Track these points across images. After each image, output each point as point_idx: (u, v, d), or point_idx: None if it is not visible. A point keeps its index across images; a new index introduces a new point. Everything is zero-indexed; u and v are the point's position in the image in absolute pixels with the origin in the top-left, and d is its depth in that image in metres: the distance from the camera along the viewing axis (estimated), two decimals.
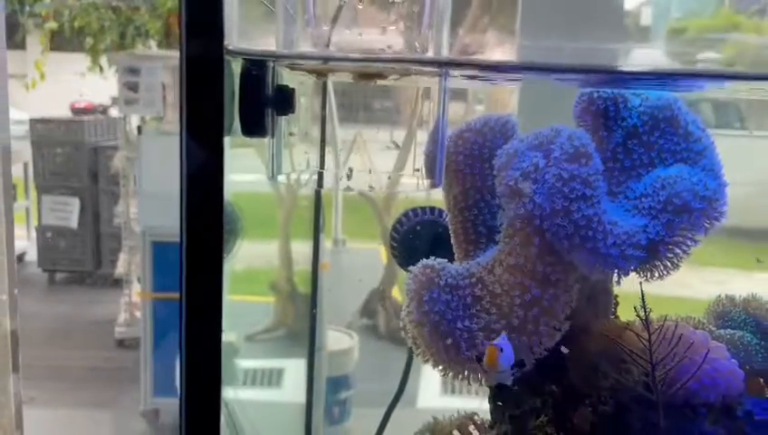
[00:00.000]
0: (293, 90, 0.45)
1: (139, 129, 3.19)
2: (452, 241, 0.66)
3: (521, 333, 0.55)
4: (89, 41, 4.82)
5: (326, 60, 0.47)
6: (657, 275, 0.55)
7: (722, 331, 0.67)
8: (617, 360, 0.59)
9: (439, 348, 0.57)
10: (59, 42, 5.19)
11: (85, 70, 5.07)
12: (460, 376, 0.59)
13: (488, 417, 0.64)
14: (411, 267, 0.60)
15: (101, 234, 4.71)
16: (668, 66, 0.81)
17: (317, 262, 1.52)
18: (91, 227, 4.71)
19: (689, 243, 0.55)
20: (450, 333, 0.56)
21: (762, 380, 0.66)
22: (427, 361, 0.60)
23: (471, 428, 0.63)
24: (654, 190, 0.55)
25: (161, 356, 3.10)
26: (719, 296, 0.70)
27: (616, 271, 0.54)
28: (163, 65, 3.80)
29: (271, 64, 0.42)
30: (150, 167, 3.10)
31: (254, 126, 0.42)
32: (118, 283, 4.20)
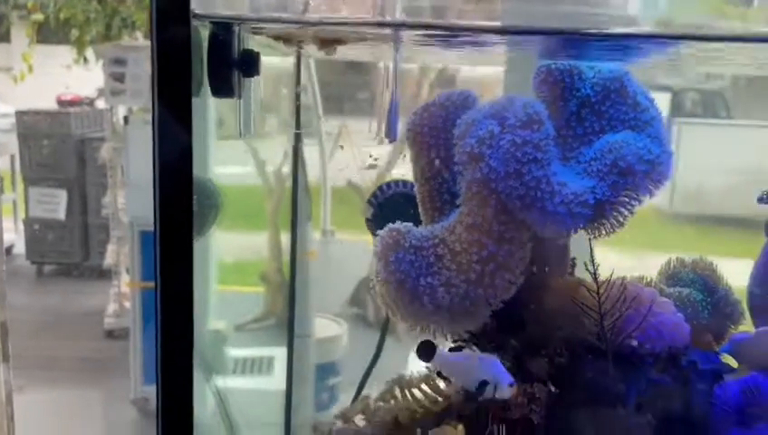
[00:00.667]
0: (258, 53, 0.48)
1: (126, 119, 3.21)
2: (419, 209, 0.70)
3: (478, 287, 0.59)
4: (74, 32, 4.80)
5: (283, 22, 0.50)
6: (603, 232, 0.60)
7: (671, 289, 0.71)
8: (571, 314, 0.64)
9: (405, 303, 0.61)
10: (44, 34, 5.17)
11: (71, 62, 5.05)
12: (425, 329, 0.63)
13: None
14: (379, 231, 0.64)
15: (89, 225, 4.72)
16: None
17: (295, 246, 1.55)
18: (79, 219, 4.71)
19: (633, 203, 0.59)
20: (414, 290, 0.61)
21: (711, 335, 0.71)
22: (394, 316, 0.64)
23: (438, 380, 0.67)
24: (602, 154, 0.60)
25: (151, 345, 3.13)
26: (670, 259, 0.74)
27: (564, 228, 0.58)
28: (149, 56, 3.81)
29: (236, 29, 0.46)
30: (137, 157, 3.11)
31: (221, 87, 0.46)
32: (106, 274, 4.21)
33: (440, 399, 0.66)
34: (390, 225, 0.63)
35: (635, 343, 0.62)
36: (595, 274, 0.59)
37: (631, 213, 0.59)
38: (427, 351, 0.57)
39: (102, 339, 3.88)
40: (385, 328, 0.83)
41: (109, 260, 4.11)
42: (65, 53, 5.07)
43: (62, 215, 4.56)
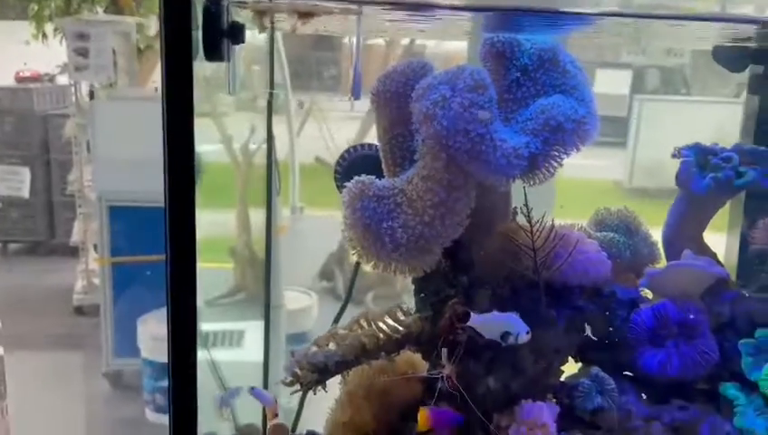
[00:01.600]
0: (243, 24, 0.57)
1: (92, 94, 3.20)
2: (383, 165, 0.80)
3: (431, 228, 0.69)
4: (33, 7, 4.70)
5: None
6: (537, 181, 0.70)
7: (598, 233, 0.83)
8: (511, 253, 0.75)
9: (369, 244, 0.71)
10: (2, 9, 5.04)
11: (30, 38, 4.94)
12: (387, 268, 0.73)
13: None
14: (346, 183, 0.73)
15: (54, 203, 4.68)
16: None
17: (271, 219, 1.63)
18: (44, 197, 4.67)
19: (562, 156, 0.70)
20: (377, 232, 0.70)
21: (632, 272, 0.83)
22: (361, 257, 0.74)
23: (399, 314, 0.78)
24: (536, 115, 0.70)
25: (121, 318, 3.17)
26: (598, 208, 0.86)
27: (504, 177, 0.68)
28: (113, 30, 3.78)
29: (225, 2, 0.55)
30: (104, 132, 3.12)
31: (213, 52, 0.55)
32: (72, 251, 4.21)
33: (401, 329, 0.77)
34: (356, 177, 0.73)
35: (565, 276, 0.74)
36: (529, 216, 0.70)
37: (560, 165, 0.70)
38: (464, 316, 0.69)
39: (71, 315, 3.90)
40: (355, 273, 0.93)
41: (75, 237, 4.11)
42: (23, 29, 4.95)
43: (25, 193, 4.50)
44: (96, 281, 3.81)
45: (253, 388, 0.77)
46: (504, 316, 0.70)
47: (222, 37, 0.55)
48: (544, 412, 0.71)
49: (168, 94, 0.48)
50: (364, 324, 0.76)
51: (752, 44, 0.86)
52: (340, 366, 0.73)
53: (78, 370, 3.43)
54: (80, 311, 3.94)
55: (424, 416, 0.70)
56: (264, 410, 1.03)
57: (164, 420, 2.95)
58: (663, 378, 0.75)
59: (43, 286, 4.33)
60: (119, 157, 3.05)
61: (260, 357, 1.39)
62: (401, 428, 0.77)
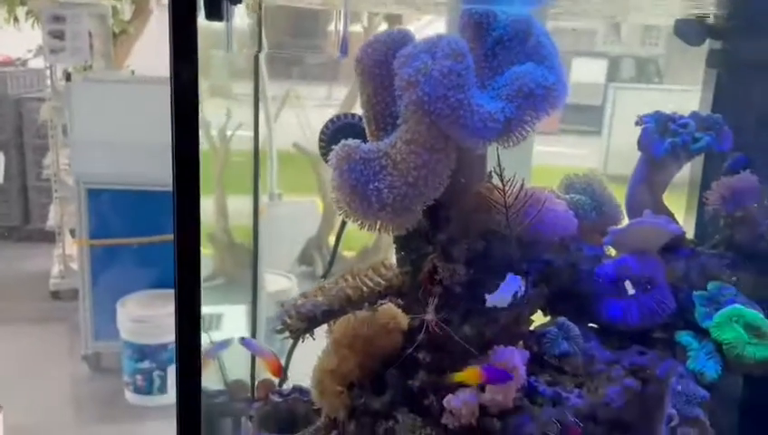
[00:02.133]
0: None
1: (69, 76, 3.17)
2: (366, 130, 0.85)
3: (414, 188, 0.74)
4: None
5: None
6: (511, 143, 0.76)
7: (567, 195, 0.89)
8: (486, 211, 0.80)
9: (356, 204, 0.76)
10: None
11: (1, 22, 4.86)
12: (373, 227, 0.78)
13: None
14: (334, 146, 0.78)
15: (29, 188, 4.63)
16: None
17: (257, 199, 1.67)
18: (18, 182, 4.61)
19: (534, 121, 0.76)
20: (364, 192, 0.76)
21: (597, 230, 0.90)
22: (348, 217, 0.79)
23: (382, 269, 0.83)
24: (510, 82, 0.76)
25: (100, 301, 3.18)
26: (568, 173, 0.92)
27: (481, 140, 0.74)
28: (88, 13, 3.75)
29: None
30: (82, 115, 3.10)
31: (214, 12, 0.59)
32: (48, 237, 4.18)
33: (383, 282, 0.82)
34: (343, 141, 0.78)
35: (536, 232, 0.80)
36: (501, 175, 0.76)
37: (532, 129, 0.76)
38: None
39: (48, 300, 3.88)
40: (340, 232, 0.98)
41: (52, 222, 4.08)
42: None
43: (0, 178, 4.45)
44: (73, 265, 3.80)
45: (243, 338, 0.81)
46: (505, 284, 0.77)
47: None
48: (515, 356, 0.77)
49: (176, 57, 0.52)
50: (349, 278, 0.81)
51: (709, 19, 0.93)
52: (327, 315, 0.78)
53: (56, 354, 3.43)
54: (56, 295, 3.93)
55: (475, 373, 0.75)
56: (252, 365, 1.08)
57: (144, 401, 2.98)
58: (624, 326, 0.82)
59: (18, 272, 4.29)
60: (96, 139, 3.05)
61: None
62: (383, 375, 0.83)
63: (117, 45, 4.59)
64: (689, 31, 0.93)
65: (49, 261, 4.07)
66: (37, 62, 4.60)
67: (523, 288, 0.78)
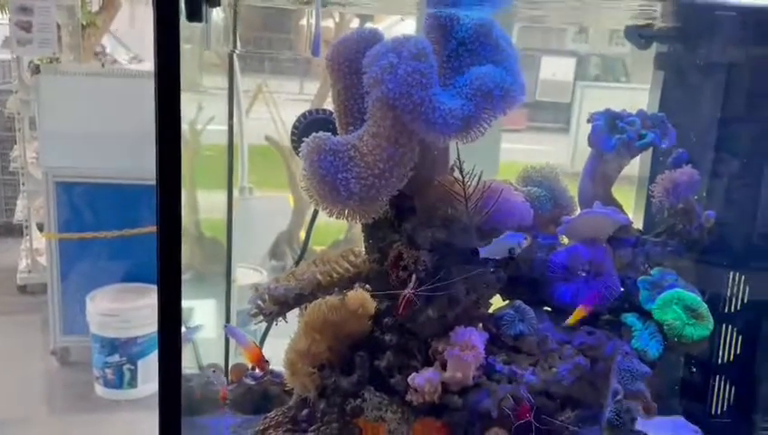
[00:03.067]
0: None
1: (37, 68, 3.14)
2: (337, 124, 0.89)
3: (381, 179, 0.80)
4: None
5: None
6: (469, 139, 0.81)
7: (525, 188, 0.95)
8: (448, 201, 0.86)
9: (326, 193, 0.81)
10: None
11: None
12: (341, 215, 0.83)
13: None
14: (305, 138, 0.83)
15: None
16: None
17: (231, 192, 1.69)
18: None
19: (491, 118, 0.81)
20: (333, 182, 0.80)
21: (552, 221, 0.96)
22: (317, 205, 0.84)
23: (351, 256, 0.88)
24: (470, 81, 0.81)
25: (69, 296, 3.16)
26: (525, 166, 0.98)
27: (442, 135, 0.79)
28: (57, 4, 3.70)
29: None
30: (50, 107, 3.08)
31: (193, 14, 0.63)
32: (13, 231, 4.11)
33: (352, 268, 0.87)
34: (314, 134, 0.82)
35: (495, 220, 0.86)
36: (461, 168, 0.81)
37: (489, 125, 0.81)
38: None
39: (16, 294, 3.83)
40: (312, 221, 1.02)
41: (19, 215, 4.02)
42: None
43: None
44: (40, 260, 3.75)
45: (227, 325, 0.85)
46: (502, 238, 0.83)
47: (201, 2, 0.64)
48: (474, 336, 0.83)
49: (160, 54, 0.56)
50: (320, 264, 0.86)
51: (656, 24, 1.00)
52: (299, 300, 0.83)
53: (25, 348, 3.39)
54: (24, 290, 3.88)
55: (581, 310, 0.84)
56: (226, 350, 1.12)
57: (114, 395, 2.98)
58: (574, 308, 0.88)
59: None
60: (65, 132, 3.03)
61: (211, 334, 1.46)
62: (352, 356, 0.88)
63: (84, 37, 4.53)
64: (637, 36, 1.00)
65: (16, 255, 4.01)
66: (3, 54, 4.51)
67: (523, 244, 0.84)
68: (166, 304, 0.73)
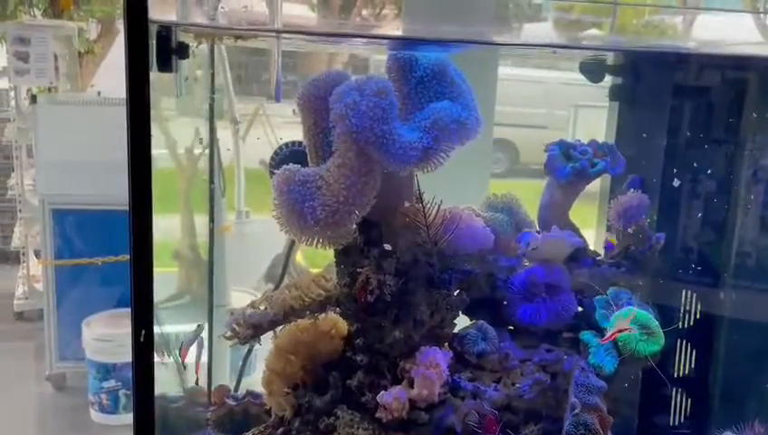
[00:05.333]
0: (188, 44, 0.72)
1: (34, 98, 3.22)
2: (308, 157, 0.95)
3: (345, 206, 0.85)
4: None
5: (199, 26, 0.75)
6: (429, 169, 0.87)
7: (487, 214, 1.01)
8: (412, 228, 0.91)
9: (294, 221, 0.87)
10: None
11: None
12: (311, 241, 0.89)
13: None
14: (276, 171, 0.89)
15: None
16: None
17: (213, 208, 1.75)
18: None
19: (449, 150, 0.87)
20: (301, 211, 0.86)
21: (513, 244, 1.01)
22: (288, 232, 0.89)
23: (323, 281, 0.93)
24: (428, 116, 0.87)
25: (65, 321, 3.19)
26: (489, 195, 1.04)
27: (402, 165, 0.85)
28: (54, 35, 3.80)
29: (173, 28, 0.70)
30: (47, 136, 3.15)
31: (164, 66, 0.70)
32: (10, 258, 4.16)
33: (323, 293, 0.92)
34: (284, 166, 0.88)
35: (455, 247, 0.91)
36: (420, 196, 0.87)
37: (447, 156, 0.87)
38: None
39: (12, 321, 3.86)
40: (289, 250, 1.08)
41: (16, 242, 4.07)
42: None
43: None
44: (37, 286, 3.79)
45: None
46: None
47: (171, 54, 0.70)
48: (438, 355, 0.88)
49: (132, 99, 0.62)
50: (293, 289, 0.91)
51: (608, 59, 1.07)
52: (272, 324, 0.88)
53: (21, 374, 3.42)
54: (21, 316, 3.91)
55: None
56: (208, 372, 1.17)
57: (109, 420, 3.00)
58: (534, 327, 0.93)
59: None
60: (61, 160, 3.09)
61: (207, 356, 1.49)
62: (326, 377, 0.93)
63: (83, 65, 4.62)
64: (591, 70, 1.06)
65: (13, 282, 4.05)
66: (1, 83, 4.61)
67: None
68: (138, 315, 0.77)
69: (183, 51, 0.72)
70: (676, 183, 0.98)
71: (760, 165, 1.03)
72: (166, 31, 0.69)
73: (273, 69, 0.83)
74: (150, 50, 0.63)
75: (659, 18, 1.21)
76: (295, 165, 0.88)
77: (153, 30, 0.64)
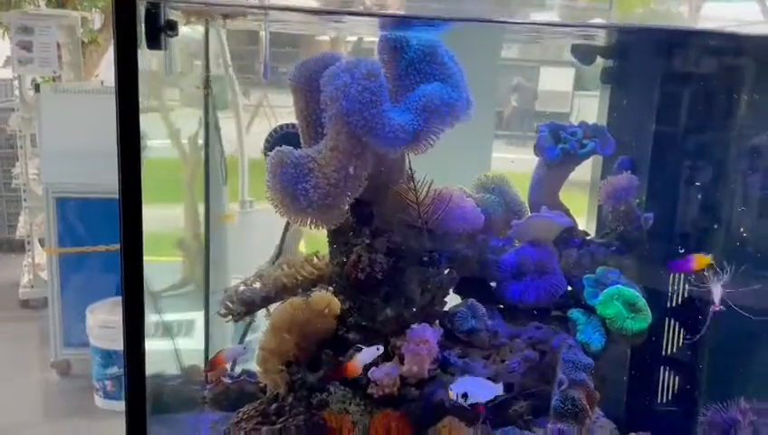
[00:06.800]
0: (177, 21, 0.74)
1: (38, 87, 3.23)
2: (301, 139, 0.97)
3: (336, 188, 0.87)
4: None
5: (186, 2, 0.77)
6: (419, 151, 0.88)
7: (478, 195, 1.02)
8: (403, 208, 0.93)
9: (287, 202, 0.88)
10: None
11: None
12: (304, 222, 0.90)
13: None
14: (269, 153, 0.90)
15: None
16: None
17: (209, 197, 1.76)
18: None
19: (439, 131, 0.88)
20: (294, 192, 0.88)
21: (504, 225, 1.03)
22: (282, 214, 0.91)
23: (315, 260, 0.95)
24: (419, 98, 0.88)
25: (69, 309, 3.22)
26: (480, 175, 1.06)
27: (393, 147, 0.86)
28: (57, 24, 3.80)
29: (162, 5, 0.72)
30: (51, 125, 3.17)
31: (153, 43, 0.71)
32: (16, 247, 4.19)
33: (315, 271, 0.94)
34: (277, 147, 0.89)
35: (446, 225, 0.93)
36: (412, 176, 0.88)
37: (437, 138, 0.89)
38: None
39: (18, 309, 3.90)
40: (285, 231, 1.10)
41: (21, 231, 4.10)
42: None
43: None
44: (42, 274, 3.82)
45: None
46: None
47: (160, 31, 0.72)
48: (428, 332, 0.90)
49: (120, 78, 0.63)
50: (286, 268, 0.93)
51: (599, 42, 1.07)
52: (265, 301, 0.90)
53: (26, 361, 3.46)
54: (26, 304, 3.95)
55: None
56: (205, 352, 1.19)
57: (114, 406, 3.04)
58: (522, 305, 0.95)
59: None
60: (65, 149, 3.11)
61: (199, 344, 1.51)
62: (319, 354, 0.95)
63: (86, 55, 4.63)
64: (582, 53, 1.07)
65: (18, 271, 4.09)
66: (5, 73, 4.62)
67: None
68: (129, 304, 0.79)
69: (172, 27, 0.74)
70: (696, 181, 0.99)
71: (753, 145, 1.03)
72: (154, 8, 0.70)
73: (262, 48, 0.84)
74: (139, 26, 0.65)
75: (665, 8, 1.21)
76: (288, 147, 0.89)
77: (140, 6, 0.66)
